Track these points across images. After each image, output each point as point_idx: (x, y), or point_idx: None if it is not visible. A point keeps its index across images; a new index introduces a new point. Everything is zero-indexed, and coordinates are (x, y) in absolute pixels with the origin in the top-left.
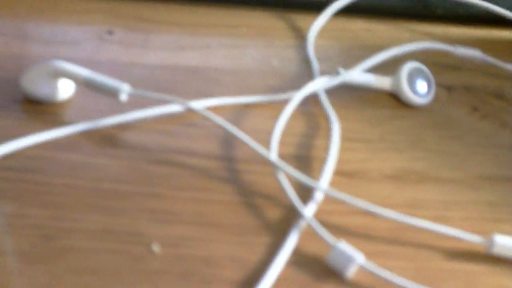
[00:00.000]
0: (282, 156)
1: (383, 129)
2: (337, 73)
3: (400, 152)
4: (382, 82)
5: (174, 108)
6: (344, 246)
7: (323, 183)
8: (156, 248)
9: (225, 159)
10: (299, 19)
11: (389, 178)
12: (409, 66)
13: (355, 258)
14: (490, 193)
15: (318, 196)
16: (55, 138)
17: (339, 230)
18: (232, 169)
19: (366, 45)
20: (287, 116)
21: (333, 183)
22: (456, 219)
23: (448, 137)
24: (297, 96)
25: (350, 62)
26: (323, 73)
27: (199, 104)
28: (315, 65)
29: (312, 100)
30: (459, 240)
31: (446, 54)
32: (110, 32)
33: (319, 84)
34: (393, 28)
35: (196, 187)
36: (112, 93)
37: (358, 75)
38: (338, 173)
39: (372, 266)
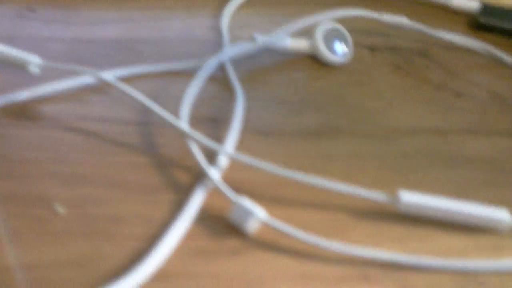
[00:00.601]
0: (194, 120)
1: (302, 90)
2: (253, 39)
3: (318, 110)
4: (301, 44)
5: (88, 79)
6: (245, 202)
7: (228, 146)
8: (60, 209)
9: (138, 124)
10: None
11: (306, 134)
12: (324, 26)
13: (255, 213)
14: (405, 145)
15: (223, 159)
16: None
17: (245, 189)
18: (143, 134)
19: (293, 13)
20: (200, 83)
21: (247, 143)
22: (369, 171)
23: (368, 94)
24: (208, 64)
25: (273, 28)
26: (242, 39)
27: (113, 74)
28: (225, 33)
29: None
30: (366, 198)
31: (372, 20)
32: (30, 9)
33: (229, 51)
34: None
35: (106, 151)
36: (22, 66)
37: (275, 40)
38: (255, 132)
39: (273, 221)
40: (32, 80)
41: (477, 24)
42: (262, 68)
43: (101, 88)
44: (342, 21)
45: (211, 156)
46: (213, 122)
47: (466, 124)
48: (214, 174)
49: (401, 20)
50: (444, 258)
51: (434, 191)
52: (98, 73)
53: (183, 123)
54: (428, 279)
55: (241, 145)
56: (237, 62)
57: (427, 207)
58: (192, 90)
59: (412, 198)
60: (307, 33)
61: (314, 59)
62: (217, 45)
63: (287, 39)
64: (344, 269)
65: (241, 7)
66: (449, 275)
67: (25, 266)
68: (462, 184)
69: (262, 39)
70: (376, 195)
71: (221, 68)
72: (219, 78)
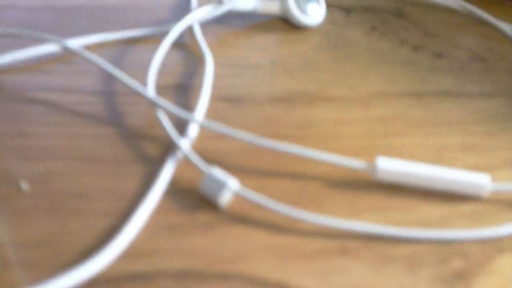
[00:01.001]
0: (162, 88)
1: (273, 54)
2: (220, 2)
3: (291, 75)
4: (271, 6)
5: (51, 48)
6: (217, 172)
7: (198, 114)
8: (24, 185)
9: (104, 94)
10: None
11: (278, 101)
12: None
13: (227, 184)
14: (382, 109)
15: (193, 128)
16: None
17: (217, 159)
18: (110, 104)
19: None
20: (166, 49)
21: (218, 110)
22: (346, 136)
23: (343, 57)
24: (175, 29)
25: None
26: (210, 3)
27: (76, 42)
28: None
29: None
30: (343, 166)
31: None
32: None
33: (196, 15)
34: None
35: (71, 122)
36: None
37: (244, 1)
38: (225, 99)
39: (247, 192)
40: None
41: None
42: (231, 32)
43: (65, 57)
44: None
45: (180, 125)
46: (181, 89)
47: (445, 86)
48: (184, 144)
49: None
50: (424, 227)
51: (412, 157)
52: (61, 40)
53: (150, 91)
54: (408, 250)
55: (212, 113)
56: (206, 26)
57: (406, 174)
58: (159, 57)
59: (390, 166)
60: None
61: (285, 22)
62: (185, 10)
63: (256, 1)
64: (321, 242)
65: None
66: (429, 245)
67: None
68: (441, 148)
69: (229, 2)
70: (353, 163)
71: (189, 33)
72: (187, 44)
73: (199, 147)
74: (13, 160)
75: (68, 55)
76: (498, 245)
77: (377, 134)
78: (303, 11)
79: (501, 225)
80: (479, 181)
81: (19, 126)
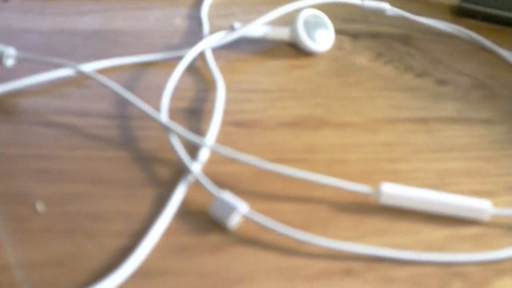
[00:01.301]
0: (175, 112)
1: (283, 79)
2: (232, 28)
3: (299, 100)
4: (281, 32)
5: (66, 72)
6: (227, 196)
7: (209, 139)
8: (40, 207)
9: (118, 118)
10: None
11: (287, 126)
12: (305, 14)
13: (237, 207)
14: (388, 135)
15: (204, 152)
16: None
17: (227, 182)
18: (124, 127)
19: (275, 0)
20: (180, 74)
21: (228, 135)
22: (352, 161)
23: (350, 83)
24: (188, 54)
25: (254, 17)
26: (222, 29)
27: (91, 67)
28: (205, 23)
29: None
30: (348, 190)
31: (354, 7)
32: (5, 0)
33: (209, 41)
34: None
35: (86, 146)
36: None
37: (255, 28)
38: (235, 124)
39: (255, 215)
40: (8, 72)
41: (459, 10)
42: (242, 57)
43: (79, 80)
44: (324, 8)
45: (192, 149)
46: (193, 113)
47: (448, 112)
48: (195, 167)
49: (383, 6)
50: (427, 250)
51: (416, 181)
52: (76, 65)
53: (163, 116)
54: (410, 272)
55: (222, 137)
56: (217, 52)
57: (409, 199)
58: (172, 82)
59: (394, 190)
60: (288, 21)
61: (294, 48)
62: (197, 35)
63: (267, 28)
64: (326, 264)
65: None
66: (431, 267)
67: (4, 267)
68: (443, 173)
69: (240, 28)
70: (358, 188)
71: (201, 58)
72: (199, 68)
73: (210, 171)
74: (30, 182)
75: (83, 79)
76: (498, 268)
77: (382, 159)
78: (312, 37)
79: (501, 249)
80: (480, 205)
81: (36, 148)
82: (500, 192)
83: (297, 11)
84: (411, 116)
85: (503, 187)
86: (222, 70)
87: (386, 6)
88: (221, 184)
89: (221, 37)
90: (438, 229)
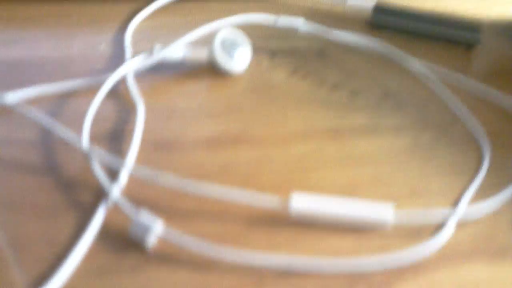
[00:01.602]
0: (97, 136)
1: (202, 100)
2: (152, 51)
3: (217, 119)
4: (199, 54)
5: None
6: (144, 216)
7: (129, 161)
8: None
9: (41, 145)
10: (132, 4)
11: (205, 144)
12: (222, 34)
13: (152, 227)
14: (300, 147)
15: (123, 174)
16: None
17: (146, 202)
18: (47, 154)
19: (198, 21)
20: (101, 99)
21: (148, 156)
22: (266, 174)
23: (266, 100)
24: (110, 80)
25: (177, 39)
26: (144, 52)
27: (15, 96)
28: (128, 47)
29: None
30: (260, 204)
31: (270, 24)
32: None
33: (130, 66)
34: (228, 2)
35: (7, 174)
36: None
37: (175, 50)
38: (155, 144)
39: (170, 234)
40: None
41: (372, 23)
42: (164, 80)
43: (4, 109)
44: (244, 27)
45: (114, 172)
46: (115, 137)
47: (358, 123)
48: (115, 190)
49: (297, 22)
50: (335, 259)
51: (326, 190)
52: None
53: (84, 142)
54: (319, 281)
55: (142, 158)
56: (140, 75)
57: (317, 208)
58: (94, 107)
59: (303, 202)
60: (209, 42)
61: (213, 68)
62: (121, 59)
63: (187, 50)
64: (238, 278)
65: (147, 19)
66: (340, 276)
67: None
68: (352, 181)
69: (159, 51)
70: (268, 201)
71: (124, 82)
72: (122, 93)
73: (130, 191)
74: None
75: (7, 107)
76: (400, 272)
77: (295, 171)
78: (230, 57)
79: (403, 253)
80: (384, 211)
81: None
82: (404, 197)
83: (216, 32)
84: (324, 128)
85: (408, 192)
86: (144, 93)
87: (300, 23)
88: (141, 204)
89: (141, 61)
90: (345, 236)
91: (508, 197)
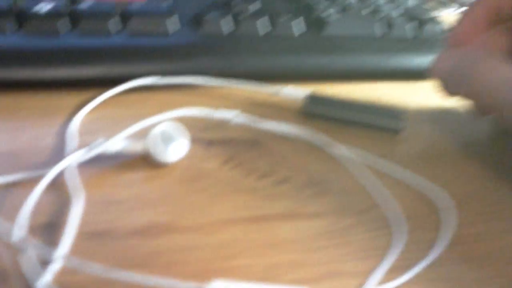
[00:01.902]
0: (34, 228)
1: (137, 190)
2: (92, 145)
3: (149, 209)
4: (136, 147)
5: None
6: None
7: (60, 252)
8: None
9: None
10: (85, 95)
11: (135, 234)
12: (160, 127)
13: None
14: (224, 235)
15: (54, 265)
16: None
17: None
18: None
19: (145, 113)
20: (40, 192)
21: (81, 246)
22: (190, 262)
23: (197, 189)
24: (50, 173)
25: (121, 131)
26: (88, 144)
27: None
28: (70, 140)
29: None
30: None
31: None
32: None
33: (71, 159)
34: (171, 94)
35: None
36: None
37: (114, 143)
38: (89, 234)
39: None
40: None
41: (304, 112)
42: (104, 171)
43: None
44: (183, 119)
45: (47, 263)
46: (51, 228)
47: (282, 210)
48: (45, 281)
49: (233, 114)
50: None
51: (246, 277)
52: None
53: (16, 235)
54: None
55: (76, 248)
56: (82, 166)
57: None
58: (32, 200)
59: None
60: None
61: (150, 159)
62: (62, 152)
63: (126, 142)
64: None
65: (93, 111)
66: None
67: None
68: (271, 266)
69: (99, 145)
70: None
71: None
72: (63, 184)
73: (60, 281)
74: None
75: None
76: None
77: (217, 258)
78: (166, 148)
79: None
80: None
81: None
82: (319, 280)
83: (155, 124)
84: (247, 216)
85: (324, 275)
86: (86, 184)
87: (236, 115)
88: None
89: (81, 155)
90: None
91: (413, 276)
